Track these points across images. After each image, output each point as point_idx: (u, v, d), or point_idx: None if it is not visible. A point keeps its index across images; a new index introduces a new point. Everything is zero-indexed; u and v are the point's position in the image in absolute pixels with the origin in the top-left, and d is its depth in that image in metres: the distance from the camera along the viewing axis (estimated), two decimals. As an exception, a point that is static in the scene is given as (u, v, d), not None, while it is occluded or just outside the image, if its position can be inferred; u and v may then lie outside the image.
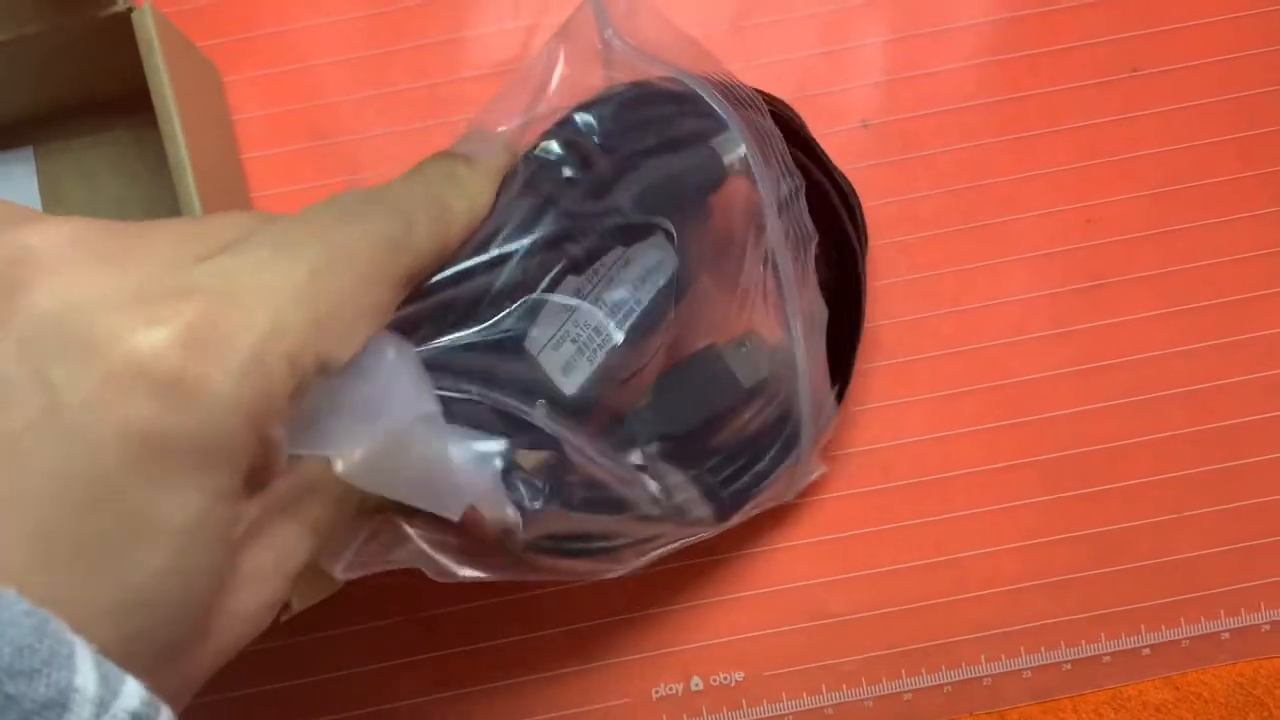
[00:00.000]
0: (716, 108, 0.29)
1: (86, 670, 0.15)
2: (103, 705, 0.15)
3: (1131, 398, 0.35)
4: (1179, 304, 0.35)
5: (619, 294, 0.29)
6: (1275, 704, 0.35)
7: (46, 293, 0.17)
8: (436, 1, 0.36)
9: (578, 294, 0.29)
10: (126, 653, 0.16)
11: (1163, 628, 0.35)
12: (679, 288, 0.30)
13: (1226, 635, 0.35)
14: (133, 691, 0.15)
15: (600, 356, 0.29)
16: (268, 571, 0.20)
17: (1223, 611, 0.35)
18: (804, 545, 0.35)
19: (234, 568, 0.19)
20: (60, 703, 0.14)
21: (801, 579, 0.35)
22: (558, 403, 0.28)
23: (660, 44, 0.30)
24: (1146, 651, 0.35)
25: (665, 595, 0.35)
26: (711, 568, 0.35)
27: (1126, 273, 0.35)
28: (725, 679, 0.35)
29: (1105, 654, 0.35)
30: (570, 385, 0.29)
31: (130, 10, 0.30)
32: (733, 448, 0.31)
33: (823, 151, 0.33)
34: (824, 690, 0.35)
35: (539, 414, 0.27)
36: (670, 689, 0.35)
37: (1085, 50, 0.36)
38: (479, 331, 0.26)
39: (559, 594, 0.35)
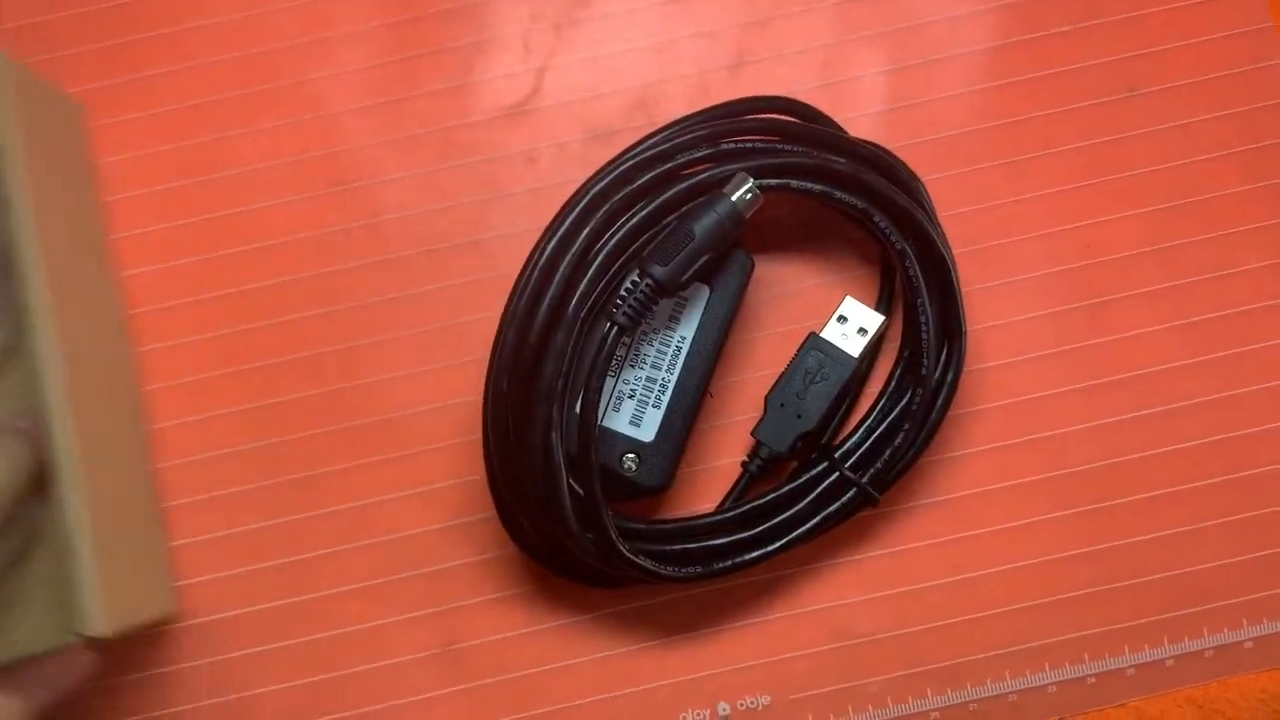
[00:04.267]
0: None
1: None
2: None
3: (1140, 412, 0.36)
4: (1183, 318, 0.36)
5: (657, 346, 0.33)
6: (1301, 714, 0.35)
7: None
8: (445, 49, 0.37)
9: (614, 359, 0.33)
10: None
11: (1185, 639, 0.35)
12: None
13: (1250, 644, 0.35)
14: None
15: (665, 400, 0.33)
16: None
17: (1245, 620, 0.35)
18: (826, 567, 0.36)
19: None
20: None
21: (825, 601, 0.36)
22: (644, 449, 0.33)
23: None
24: (1170, 663, 0.35)
25: (689, 621, 0.35)
26: (735, 592, 0.35)
27: (1129, 289, 0.36)
28: (752, 703, 0.35)
29: (1129, 667, 0.35)
30: (647, 432, 0.33)
31: None
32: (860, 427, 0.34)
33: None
34: (850, 711, 0.35)
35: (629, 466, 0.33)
36: (698, 715, 0.35)
37: (1081, 73, 0.37)
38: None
39: (585, 623, 0.35)
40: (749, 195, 0.32)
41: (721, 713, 0.35)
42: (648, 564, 0.32)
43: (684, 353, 0.33)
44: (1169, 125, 0.36)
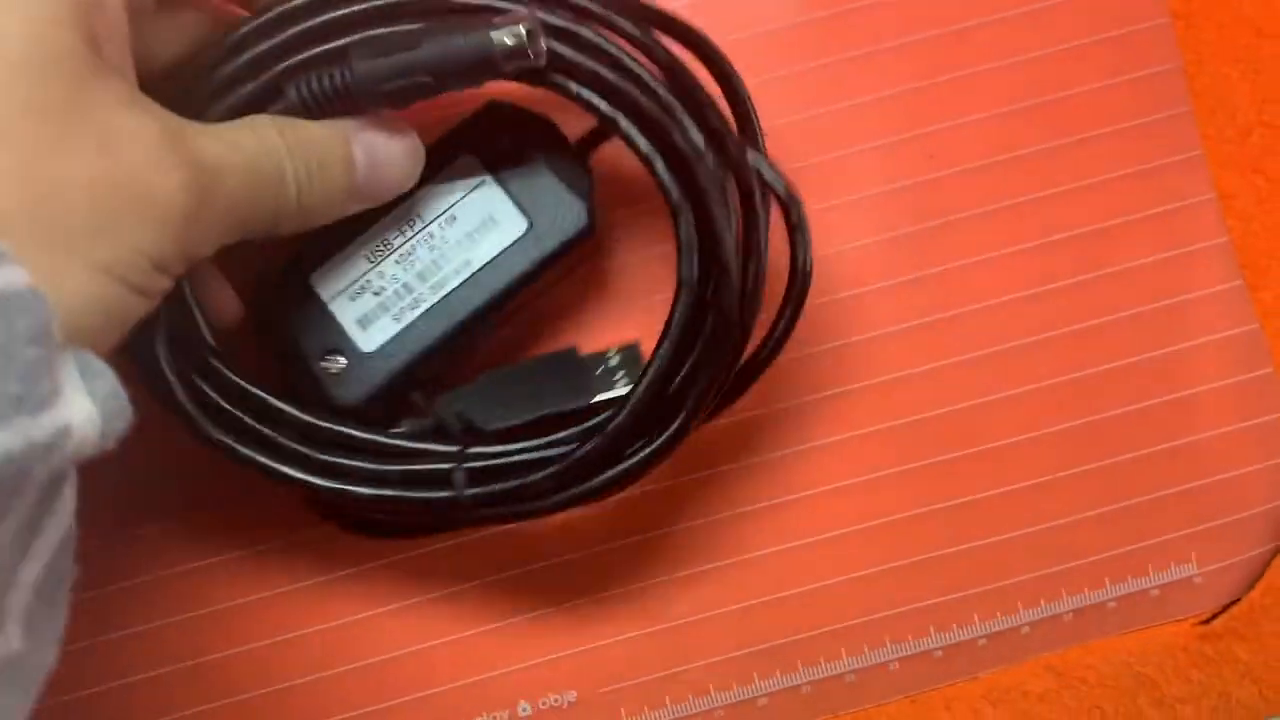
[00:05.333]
0: None
1: None
2: None
3: (985, 350, 0.31)
4: (1034, 239, 0.31)
5: (436, 254, 0.27)
6: (1167, 680, 0.31)
7: None
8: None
9: (383, 245, 0.27)
10: None
11: (1042, 602, 0.31)
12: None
13: (1113, 604, 0.31)
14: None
15: (409, 317, 0.27)
16: None
17: (1107, 579, 0.31)
18: (634, 543, 0.31)
19: None
20: None
21: (634, 581, 0.31)
22: (354, 357, 0.27)
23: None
24: (1026, 630, 0.31)
25: (480, 614, 0.31)
26: (534, 576, 0.31)
27: (974, 207, 0.31)
28: (556, 700, 0.31)
29: (980, 637, 0.31)
30: (369, 341, 0.28)
31: None
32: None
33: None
34: (668, 702, 0.31)
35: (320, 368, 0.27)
36: (494, 718, 0.31)
37: (916, -48, 0.31)
38: None
39: (354, 625, 0.30)
40: (513, 42, 0.24)
41: (522, 713, 0.31)
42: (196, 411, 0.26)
43: (460, 280, 0.27)
44: (1017, 12, 0.31)
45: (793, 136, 0.31)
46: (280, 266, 0.28)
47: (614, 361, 0.29)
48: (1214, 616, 0.31)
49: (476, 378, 0.28)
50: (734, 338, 0.26)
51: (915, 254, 0.31)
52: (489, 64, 0.24)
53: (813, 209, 0.31)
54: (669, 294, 0.26)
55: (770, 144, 0.30)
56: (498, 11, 0.25)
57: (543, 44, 0.24)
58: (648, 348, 0.27)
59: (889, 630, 0.31)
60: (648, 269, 0.31)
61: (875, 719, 0.31)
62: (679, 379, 0.26)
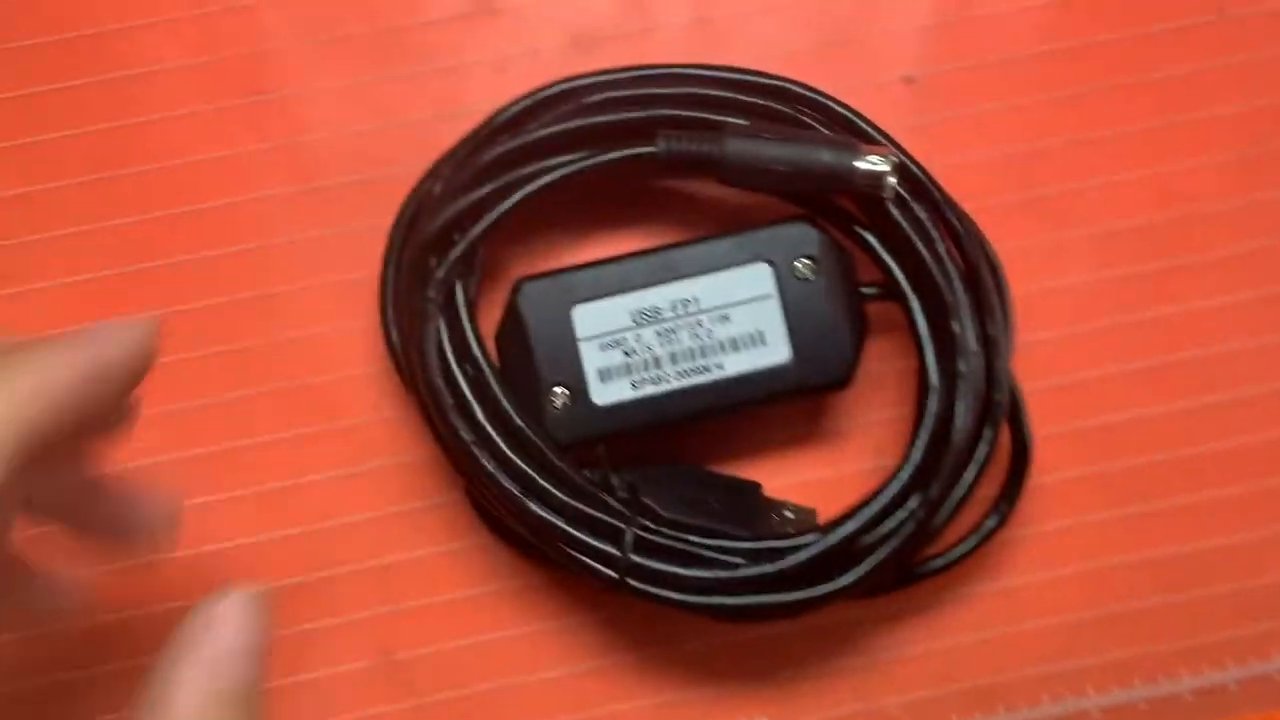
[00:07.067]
0: None
1: None
2: None
3: (1207, 398, 0.30)
4: (1264, 287, 0.30)
5: (695, 345, 0.27)
6: (1382, 749, 0.30)
7: None
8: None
9: (653, 312, 0.27)
10: None
11: (1251, 660, 0.30)
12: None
13: (1327, 668, 0.31)
14: None
15: (646, 390, 0.27)
16: None
17: (1323, 641, 0.30)
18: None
19: None
20: None
21: (832, 613, 0.30)
22: (583, 403, 0.27)
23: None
24: (1233, 686, 0.30)
25: (659, 635, 0.30)
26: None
27: (1203, 252, 0.30)
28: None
29: (1187, 691, 0.30)
30: (601, 395, 0.27)
31: None
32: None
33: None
34: (862, 739, 0.30)
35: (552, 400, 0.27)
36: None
37: (1159, -11, 0.31)
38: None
39: (506, 641, 0.29)
40: (874, 167, 0.25)
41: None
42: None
43: (707, 379, 0.27)
44: (1263, 53, 0.31)
45: (1029, 166, 0.30)
46: (544, 276, 0.28)
47: (790, 515, 0.29)
48: None
49: (661, 465, 0.28)
50: (923, 535, 0.27)
51: (1140, 296, 0.30)
52: (843, 178, 0.25)
53: (1041, 243, 0.30)
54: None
55: (1005, 172, 0.30)
56: (866, 142, 0.27)
57: (895, 182, 0.26)
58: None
59: (1091, 679, 0.30)
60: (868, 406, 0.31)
61: (1073, 770, 0.30)
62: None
